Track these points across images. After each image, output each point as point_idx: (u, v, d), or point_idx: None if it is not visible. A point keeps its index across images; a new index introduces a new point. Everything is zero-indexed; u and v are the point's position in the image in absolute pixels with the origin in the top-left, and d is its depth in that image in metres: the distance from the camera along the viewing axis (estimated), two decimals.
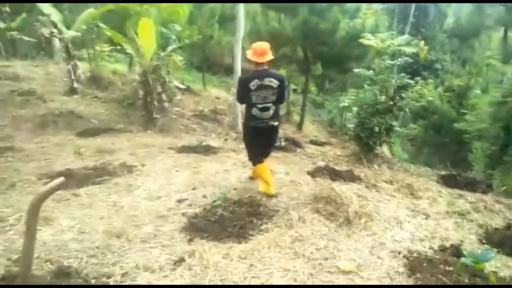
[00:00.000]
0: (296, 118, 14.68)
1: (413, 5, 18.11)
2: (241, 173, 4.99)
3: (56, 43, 12.27)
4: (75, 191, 4.19)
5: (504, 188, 6.63)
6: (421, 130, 14.37)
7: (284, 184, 4.64)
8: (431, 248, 3.38)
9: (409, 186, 5.01)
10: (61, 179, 2.04)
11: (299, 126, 11.99)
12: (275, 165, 5.68)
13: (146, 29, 7.33)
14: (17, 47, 14.57)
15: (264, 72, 4.09)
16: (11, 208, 3.36)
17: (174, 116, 9.04)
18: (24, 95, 8.63)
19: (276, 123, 4.23)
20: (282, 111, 15.02)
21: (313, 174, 5.21)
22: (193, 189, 4.40)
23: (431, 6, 23.46)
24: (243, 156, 6.06)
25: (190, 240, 3.17)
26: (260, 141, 4.36)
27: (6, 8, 13.44)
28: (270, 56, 4.10)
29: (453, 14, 26.25)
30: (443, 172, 6.78)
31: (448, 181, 6.04)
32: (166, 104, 8.23)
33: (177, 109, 10.96)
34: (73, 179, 4.55)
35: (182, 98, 13.78)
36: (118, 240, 3.00)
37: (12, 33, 12.41)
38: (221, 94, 16.60)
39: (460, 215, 4.51)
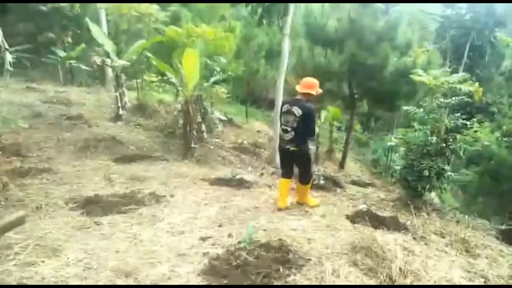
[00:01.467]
0: (339, 156, 14.11)
1: (468, 45, 17.30)
2: (272, 212, 4.59)
3: (109, 72, 12.84)
4: (99, 219, 4.01)
5: None
6: (475, 176, 13.18)
7: (320, 228, 4.18)
8: None
9: (463, 241, 4.34)
10: (21, 213, 1.78)
11: (341, 165, 11.43)
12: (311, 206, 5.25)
13: (191, 59, 7.36)
14: (75, 75, 15.46)
15: (296, 100, 4.68)
16: (22, 234, 3.19)
17: (212, 147, 8.90)
18: (72, 119, 8.90)
19: (292, 148, 4.66)
20: (323, 148, 14.56)
21: (352, 218, 4.70)
22: (219, 226, 4.07)
23: (487, 47, 22.37)
24: (277, 192, 5.69)
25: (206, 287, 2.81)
26: (282, 158, 5.14)
27: (69, 38, 14.41)
28: (308, 90, 4.68)
29: (511, 55, 24.81)
30: (503, 227, 5.94)
31: (510, 238, 5.25)
32: (205, 135, 8.12)
33: (217, 140, 10.87)
34: (100, 206, 4.40)
35: (223, 130, 13.83)
36: (126, 279, 2.69)
37: (71, 61, 13.20)
38: (262, 128, 16.45)
39: None
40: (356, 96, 10.47)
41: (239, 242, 3.56)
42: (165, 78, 9.49)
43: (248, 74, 16.59)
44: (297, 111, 4.53)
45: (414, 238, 4.19)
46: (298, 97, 4.70)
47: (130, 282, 2.68)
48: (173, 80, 8.12)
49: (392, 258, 3.18)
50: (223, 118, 9.95)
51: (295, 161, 4.95)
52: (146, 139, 8.93)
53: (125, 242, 3.50)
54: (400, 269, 3.08)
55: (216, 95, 9.47)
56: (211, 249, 3.49)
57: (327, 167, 13.77)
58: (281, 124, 4.77)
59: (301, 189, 5.07)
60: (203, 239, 3.69)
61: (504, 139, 12.55)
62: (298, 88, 4.73)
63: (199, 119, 8.02)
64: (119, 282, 2.65)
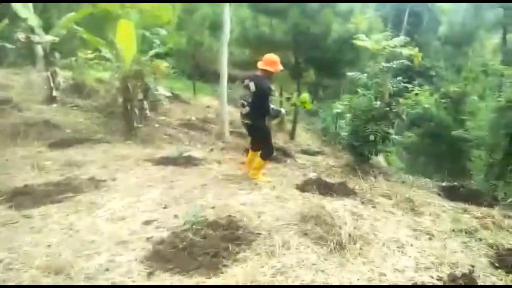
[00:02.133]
0: (289, 126, 14.18)
1: (407, 11, 17.77)
2: (221, 189, 4.42)
3: (39, 50, 11.74)
4: (29, 211, 3.62)
5: (510, 200, 6.09)
6: (417, 138, 13.88)
7: (269, 200, 4.08)
8: (439, 278, 2.82)
9: (409, 200, 4.46)
10: None
11: (291, 135, 11.48)
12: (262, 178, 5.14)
13: (125, 31, 6.80)
14: (2, 55, 14.00)
15: (254, 76, 4.74)
16: None
17: (158, 126, 8.48)
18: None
19: (247, 121, 4.84)
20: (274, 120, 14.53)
21: (302, 188, 4.66)
22: (164, 207, 3.83)
23: (424, 13, 23.20)
24: (227, 168, 5.53)
25: (150, 274, 2.60)
26: (247, 131, 5.22)
27: None
28: (267, 67, 4.64)
29: (447, 21, 25.97)
30: (443, 184, 6.24)
31: (450, 194, 5.51)
32: (148, 112, 7.68)
33: (163, 118, 10.44)
34: (30, 197, 3.98)
35: (170, 106, 13.32)
36: (56, 277, 2.42)
37: None
38: (211, 103, 16.04)
39: (467, 233, 3.97)
40: (301, 65, 10.41)
41: (184, 224, 3.36)
42: (103, 54, 8.80)
43: (192, 47, 15.97)
44: (252, 86, 4.61)
45: (362, 202, 4.23)
46: (258, 73, 4.72)
47: (61, 279, 2.40)
48: (108, 55, 7.51)
49: (341, 225, 3.15)
50: (168, 94, 9.49)
51: (252, 135, 5.07)
52: (85, 121, 8.33)
53: (58, 234, 3.18)
54: (350, 234, 3.05)
55: (158, 69, 8.94)
56: (155, 233, 3.26)
57: (278, 138, 13.83)
58: (240, 98, 4.86)
59: (257, 163, 4.96)
60: (147, 223, 3.45)
61: (442, 101, 13.24)
62: (259, 64, 4.70)
63: (140, 96, 7.54)
64: (47, 281, 2.36)
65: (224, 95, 8.15)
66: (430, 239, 3.62)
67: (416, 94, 13.83)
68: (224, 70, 7.94)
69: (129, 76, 7.24)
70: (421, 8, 23.66)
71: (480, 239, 3.87)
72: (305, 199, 4.14)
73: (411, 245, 3.30)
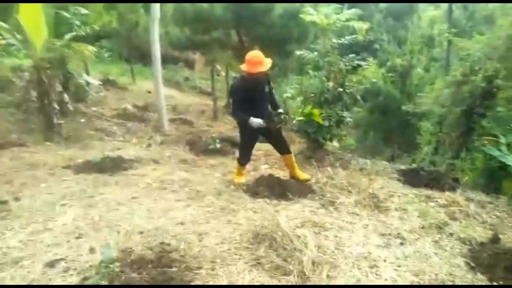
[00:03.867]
0: None
1: None
2: (154, 202, 3.60)
3: None
4: None
5: (466, 178, 5.87)
6: (365, 113, 13.71)
7: (213, 213, 3.34)
8: None
9: (372, 196, 3.94)
10: None
11: None
12: (207, 177, 4.41)
13: (31, 12, 5.61)
14: None
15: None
16: None
17: (83, 120, 7.35)
18: None
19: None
20: (221, 102, 13.68)
21: (253, 190, 3.96)
22: (77, 237, 2.97)
23: None
24: (165, 170, 4.70)
25: None
26: None
27: None
28: (258, 69, 3.92)
29: None
30: (402, 167, 5.85)
31: (411, 179, 5.09)
32: (70, 106, 6.54)
33: (94, 109, 9.22)
34: None
35: (106, 95, 12.02)
36: None
37: None
38: (152, 87, 14.75)
39: (437, 228, 3.55)
40: (245, 44, 9.58)
41: (101, 263, 2.54)
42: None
43: (127, 28, 14.49)
44: None
45: (323, 205, 3.63)
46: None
47: None
48: (12, 41, 6.21)
49: (302, 248, 2.50)
50: (95, 82, 8.31)
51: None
52: None
53: None
54: (313, 262, 2.41)
55: (82, 54, 7.72)
56: (61, 279, 2.43)
57: (227, 122, 13.01)
58: None
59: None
60: (50, 264, 2.59)
61: (389, 74, 13.11)
62: (246, 68, 3.95)
63: (59, 87, 6.38)
64: None
65: (159, 79, 7.18)
66: (401, 244, 3.12)
67: (363, 69, 13.67)
68: (157, 51, 6.95)
69: (42, 65, 6.05)
70: None
71: (451, 234, 3.50)
72: (257, 207, 3.45)
73: (384, 260, 2.74)
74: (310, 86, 5.35)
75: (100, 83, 9.87)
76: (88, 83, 8.26)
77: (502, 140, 5.66)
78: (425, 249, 3.11)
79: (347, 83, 5.54)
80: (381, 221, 3.45)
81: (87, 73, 10.94)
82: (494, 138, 5.75)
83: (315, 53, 5.39)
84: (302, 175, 4.43)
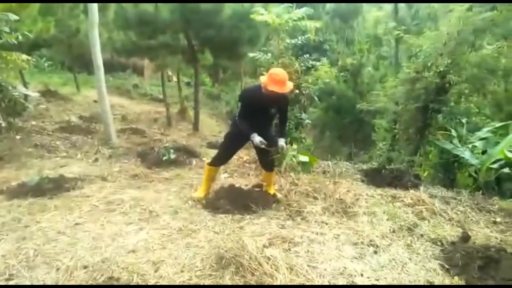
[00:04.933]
0: (192, 114, 12.93)
1: None
2: (101, 228, 3.14)
3: None
4: None
5: (426, 174, 5.91)
6: (321, 113, 13.78)
7: (170, 236, 2.96)
8: None
9: (339, 201, 3.75)
10: None
11: (195, 126, 10.29)
12: (162, 193, 4.01)
13: None
14: None
15: None
16: None
17: (18, 137, 6.60)
18: None
19: None
20: (174, 109, 13.14)
21: (213, 205, 3.62)
22: (7, 279, 2.48)
23: None
24: (113, 188, 4.24)
25: None
26: None
27: None
28: (284, 89, 3.55)
29: None
30: (364, 167, 5.77)
31: (374, 179, 5.03)
32: (1, 122, 5.82)
33: (34, 123, 8.43)
34: None
35: (48, 107, 11.15)
36: None
37: None
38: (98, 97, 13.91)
39: (408, 230, 3.48)
40: (195, 47, 9.19)
41: None
42: None
43: (67, 35, 13.53)
44: None
45: (289, 216, 3.37)
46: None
47: None
48: None
49: (272, 272, 2.21)
50: (31, 93, 7.57)
51: None
52: None
53: None
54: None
55: (16, 64, 6.95)
56: None
57: (181, 129, 12.51)
58: None
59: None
60: None
61: (342, 74, 13.27)
62: (265, 82, 3.51)
63: None
64: None
65: (102, 88, 6.61)
66: (375, 252, 2.95)
67: (316, 70, 13.74)
68: (98, 58, 6.40)
69: None
70: None
71: (422, 235, 3.45)
72: (219, 225, 3.12)
73: (361, 274, 2.53)
74: None
75: (38, 94, 9.05)
76: (24, 96, 7.49)
77: (454, 133, 5.77)
78: (399, 255, 2.98)
79: (303, 84, 5.36)
80: (351, 229, 3.26)
81: (24, 85, 10.06)
82: (447, 132, 5.86)
83: (269, 54, 5.15)
84: (272, 190, 4.13)
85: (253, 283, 2.18)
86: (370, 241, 3.09)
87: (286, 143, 3.91)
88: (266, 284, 2.14)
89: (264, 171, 4.15)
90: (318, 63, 5.85)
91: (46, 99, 11.88)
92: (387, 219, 3.61)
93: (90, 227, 3.13)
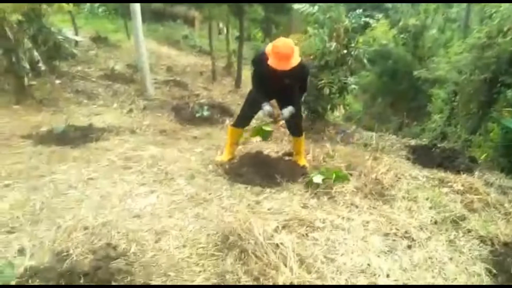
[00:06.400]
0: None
1: None
2: (112, 185, 2.96)
3: None
4: None
5: (484, 156, 5.18)
6: (374, 77, 12.79)
7: (180, 203, 2.72)
8: None
9: (377, 181, 3.29)
10: None
11: (237, 83, 9.92)
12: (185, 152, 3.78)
13: None
14: None
15: None
16: None
17: (58, 82, 6.61)
18: None
19: None
20: (220, 63, 12.82)
21: (234, 172, 3.33)
22: (9, 231, 2.39)
23: None
24: (138, 142, 4.07)
25: None
26: None
27: None
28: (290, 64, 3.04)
29: None
30: (412, 142, 5.17)
31: (422, 157, 4.45)
32: (41, 65, 5.80)
33: (79, 68, 8.48)
34: None
35: (97, 53, 11.22)
36: None
37: None
38: (150, 45, 13.78)
39: (453, 223, 2.97)
40: None
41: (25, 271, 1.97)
42: None
43: None
44: None
45: (315, 194, 2.99)
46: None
47: None
48: None
49: (278, 264, 1.89)
50: (75, 37, 7.52)
51: None
52: None
53: None
54: (292, 283, 1.81)
55: (61, 7, 6.85)
56: None
57: (226, 84, 12.19)
58: None
59: None
60: None
61: (401, 36, 12.05)
62: (269, 59, 3.02)
63: (28, 44, 5.63)
64: None
65: (139, 36, 6.32)
66: (409, 247, 2.53)
67: (372, 30, 12.57)
68: (136, 4, 6.06)
69: (7, 19, 5.28)
70: None
71: (469, 231, 2.93)
72: (234, 197, 2.83)
73: (387, 275, 2.14)
74: (308, 46, 4.54)
75: (81, 39, 9.06)
76: (74, 41, 7.48)
77: None
78: (438, 252, 2.55)
79: (352, 44, 4.74)
80: (384, 215, 2.83)
81: (75, 30, 10.13)
82: None
83: (316, 7, 4.54)
84: (303, 161, 3.74)
85: (255, 273, 1.88)
86: (405, 232, 2.66)
87: (295, 122, 3.56)
88: (268, 276, 1.83)
89: (293, 138, 3.75)
90: (372, 21, 5.10)
91: (96, 45, 12.00)
92: (430, 207, 3.12)
93: (102, 184, 2.97)
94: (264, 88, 3.34)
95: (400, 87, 11.88)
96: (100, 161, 3.40)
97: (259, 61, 3.21)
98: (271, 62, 2.98)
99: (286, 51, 2.97)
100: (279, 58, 2.96)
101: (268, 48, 3.08)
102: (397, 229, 2.67)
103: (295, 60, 3.03)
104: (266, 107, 3.29)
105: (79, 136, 4.03)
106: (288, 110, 3.36)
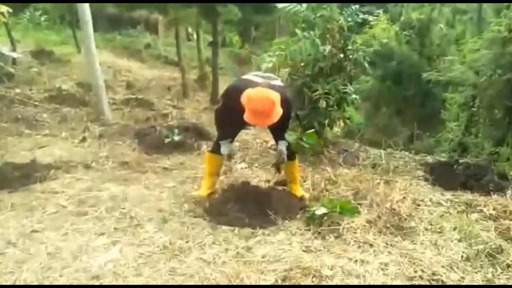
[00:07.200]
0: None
1: None
2: (62, 240, 2.82)
3: None
4: None
5: None
6: (375, 82, 12.96)
7: (150, 257, 2.60)
8: None
9: (392, 211, 3.24)
10: None
11: (212, 99, 9.90)
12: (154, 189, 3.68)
13: None
14: None
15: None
16: None
17: None
18: None
19: None
20: (192, 75, 12.86)
21: (218, 210, 3.23)
22: None
23: None
24: (94, 181, 3.94)
25: None
26: None
27: None
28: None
29: None
30: (429, 159, 5.18)
31: (442, 177, 4.47)
32: None
33: (18, 90, 8.34)
34: None
35: (40, 70, 11.09)
36: None
37: None
38: (105, 58, 13.72)
39: (488, 257, 2.93)
40: None
41: None
42: None
43: None
44: None
45: (319, 233, 2.91)
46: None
47: None
48: None
49: None
50: (10, 54, 7.42)
51: None
52: None
53: None
54: None
55: None
56: None
57: (199, 100, 12.20)
58: None
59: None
60: None
61: (404, 32, 12.31)
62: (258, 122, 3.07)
63: None
64: None
65: (91, 47, 6.23)
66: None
67: (371, 27, 12.84)
68: (86, 9, 5.99)
69: None
70: None
71: (508, 266, 2.86)
72: (220, 244, 2.72)
73: None
74: (297, 52, 4.53)
75: (19, 55, 8.96)
76: (6, 57, 7.36)
77: None
78: None
79: (349, 46, 4.79)
80: (406, 254, 2.77)
81: (12, 44, 10.06)
82: None
83: (304, 5, 4.57)
84: (300, 191, 3.68)
85: None
86: (433, 274, 2.60)
87: (287, 147, 3.50)
88: None
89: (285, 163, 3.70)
90: (371, 18, 5.18)
91: (39, 62, 11.89)
92: (459, 240, 3.09)
93: (49, 237, 2.82)
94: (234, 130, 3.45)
95: (407, 93, 12.07)
96: (46, 208, 3.26)
97: (232, 99, 3.17)
98: (248, 118, 2.94)
99: (264, 108, 2.90)
100: (256, 115, 2.92)
101: (242, 90, 3.04)
102: (423, 271, 2.60)
103: (277, 113, 2.95)
104: (224, 147, 3.40)
105: (19, 177, 3.88)
106: (283, 143, 3.41)
